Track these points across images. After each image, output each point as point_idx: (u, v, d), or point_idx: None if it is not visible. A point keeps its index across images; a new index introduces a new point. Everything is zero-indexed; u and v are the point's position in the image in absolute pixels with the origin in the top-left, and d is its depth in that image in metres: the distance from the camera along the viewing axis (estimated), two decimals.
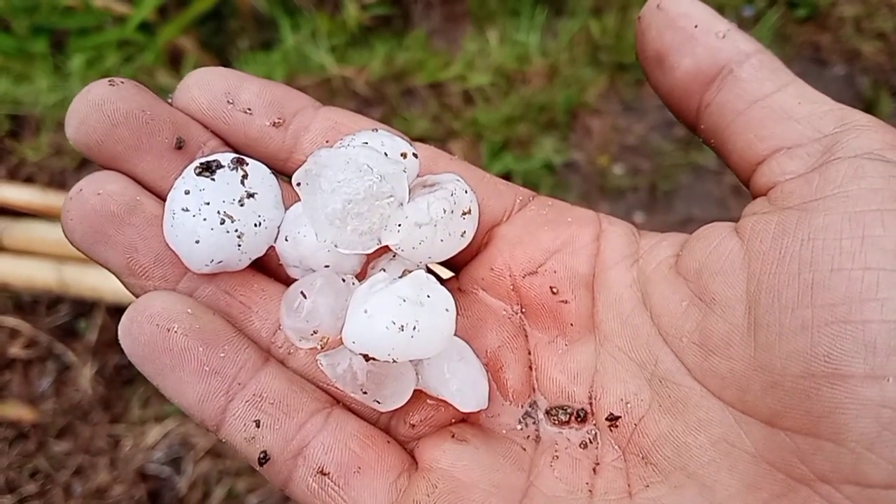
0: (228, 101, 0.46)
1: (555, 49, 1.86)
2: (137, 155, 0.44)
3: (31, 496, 1.34)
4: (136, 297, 0.44)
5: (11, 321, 1.49)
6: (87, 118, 0.43)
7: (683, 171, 1.69)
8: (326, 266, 0.45)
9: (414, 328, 0.40)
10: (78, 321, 1.51)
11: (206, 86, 0.46)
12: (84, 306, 1.51)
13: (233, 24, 2.01)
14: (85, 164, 1.65)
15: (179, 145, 0.45)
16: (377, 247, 0.44)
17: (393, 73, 1.85)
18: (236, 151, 0.47)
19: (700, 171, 1.69)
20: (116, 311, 1.48)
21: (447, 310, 0.42)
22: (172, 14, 1.90)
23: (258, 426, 0.42)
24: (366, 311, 0.41)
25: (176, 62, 1.88)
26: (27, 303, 1.52)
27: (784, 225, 0.38)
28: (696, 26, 0.42)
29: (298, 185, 0.44)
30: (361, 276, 0.46)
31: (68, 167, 1.68)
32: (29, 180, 1.67)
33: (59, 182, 1.66)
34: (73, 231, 0.43)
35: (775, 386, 0.36)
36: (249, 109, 0.46)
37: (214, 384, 0.42)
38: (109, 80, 0.44)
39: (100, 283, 1.46)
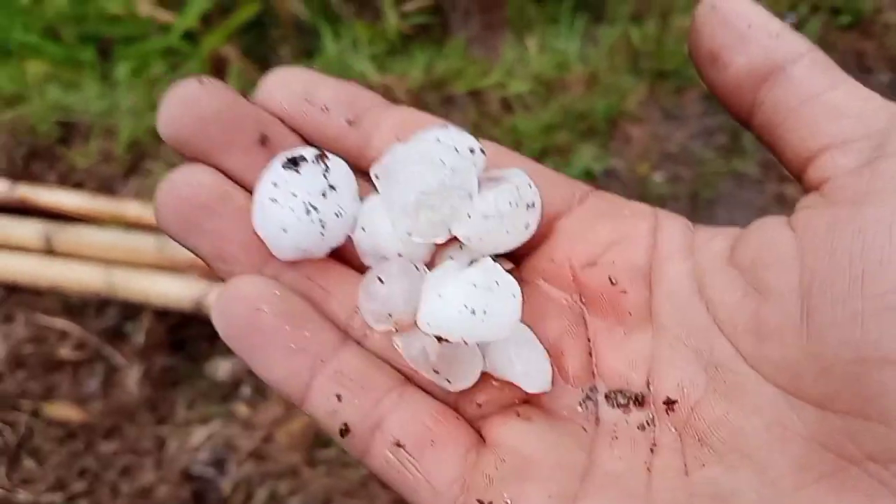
0: (307, 100, 0.49)
1: (594, 57, 1.87)
2: (226, 150, 0.47)
3: (79, 494, 1.38)
4: (225, 281, 0.47)
5: (61, 323, 1.53)
6: (179, 115, 0.45)
7: (725, 180, 1.68)
8: (400, 255, 0.48)
9: (485, 312, 0.43)
10: (125, 324, 1.55)
11: (285, 85, 0.49)
12: (132, 309, 1.56)
13: (275, 32, 2.05)
14: (133, 170, 1.69)
15: (263, 141, 0.48)
16: (449, 236, 0.47)
17: (432, 81, 1.88)
18: (315, 147, 0.49)
19: (742, 180, 1.69)
20: (163, 314, 1.53)
21: (514, 295, 0.45)
22: (216, 23, 1.96)
23: (339, 400, 0.44)
24: (440, 295, 0.43)
25: (220, 71, 1.93)
26: (76, 305, 1.57)
27: (835, 219, 0.39)
28: (749, 26, 0.43)
29: (377, 177, 0.47)
30: (431, 265, 0.49)
31: (116, 173, 1.72)
32: (78, 185, 1.71)
33: (108, 188, 1.71)
34: (166, 220, 0.46)
35: (827, 371, 0.38)
36: (326, 107, 0.49)
37: (300, 361, 0.44)
38: (198, 79, 0.47)
39: (147, 286, 1.51)
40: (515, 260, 0.51)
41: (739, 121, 0.46)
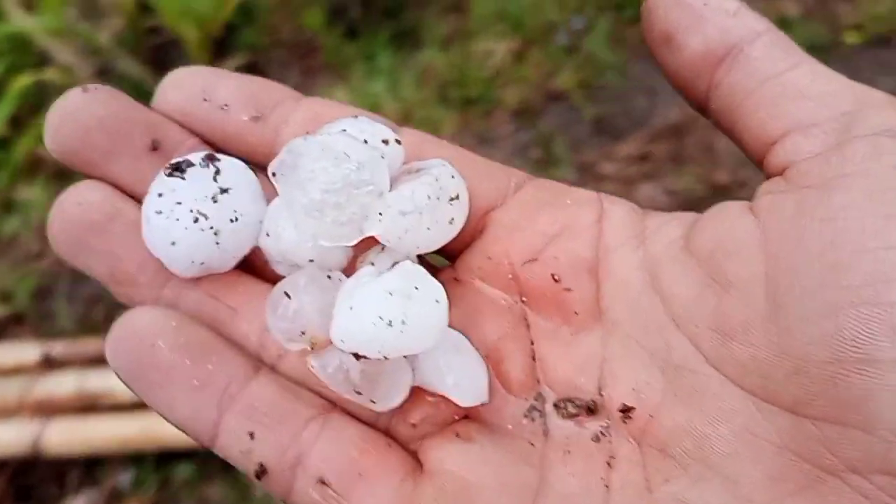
0: (204, 99, 0.45)
1: (406, 90, 1.82)
2: (114, 159, 0.44)
3: None
4: (124, 306, 0.43)
5: None
6: (62, 127, 0.43)
7: None
8: (311, 261, 0.43)
9: (403, 322, 0.38)
10: None
11: (180, 85, 0.46)
12: None
13: None
14: None
15: (155, 147, 0.44)
16: (360, 238, 0.42)
17: None
18: (216, 149, 0.46)
19: None
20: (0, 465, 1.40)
21: (438, 301, 0.40)
22: (28, 124, 1.81)
23: (252, 438, 0.40)
24: (351, 308, 0.39)
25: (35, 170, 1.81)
26: None
27: (802, 204, 0.36)
28: (705, 4, 0.41)
29: (274, 176, 0.42)
30: (350, 272, 0.44)
31: None
32: None
33: None
34: (57, 242, 0.43)
35: (799, 372, 0.34)
36: (226, 105, 0.45)
37: (205, 398, 0.40)
38: (83, 88, 0.44)
39: None
40: (450, 258, 0.47)
41: (695, 106, 0.43)
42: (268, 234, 0.44)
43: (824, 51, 1.80)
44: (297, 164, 0.41)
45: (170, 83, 0.46)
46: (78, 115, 0.43)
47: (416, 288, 0.39)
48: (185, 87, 0.46)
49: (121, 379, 0.41)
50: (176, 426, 0.41)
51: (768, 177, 0.40)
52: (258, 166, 0.46)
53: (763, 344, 0.36)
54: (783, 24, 1.84)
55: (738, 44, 0.40)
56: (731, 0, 0.41)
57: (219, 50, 1.93)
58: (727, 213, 0.40)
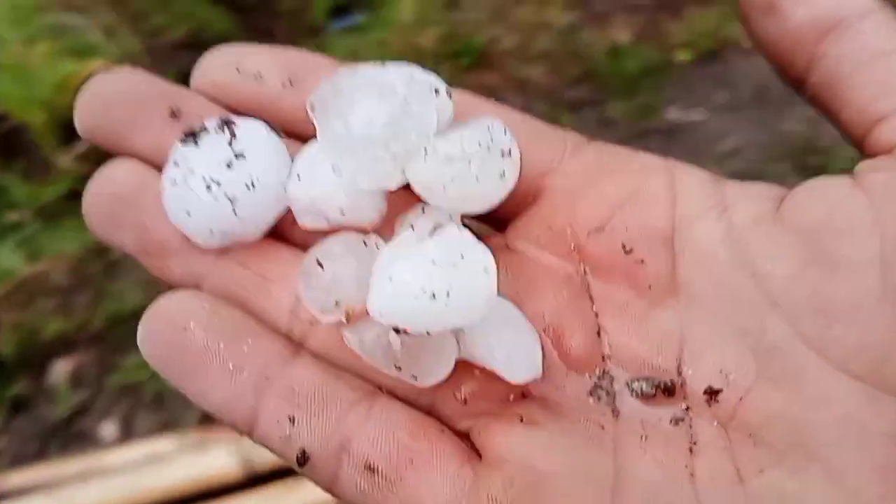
0: (237, 70, 0.44)
1: None
2: (137, 132, 0.43)
3: None
4: (160, 279, 0.42)
5: None
6: (88, 105, 0.43)
7: None
8: (342, 212, 0.40)
9: (448, 294, 0.34)
10: None
11: (214, 62, 0.45)
12: None
13: None
14: None
15: (175, 114, 0.43)
16: (401, 182, 0.39)
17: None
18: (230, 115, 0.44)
19: None
20: None
21: (486, 270, 0.36)
22: None
23: (293, 423, 0.37)
24: (391, 278, 0.35)
25: None
26: None
27: None
28: None
29: (312, 109, 0.39)
30: (387, 233, 0.41)
31: None
32: None
33: None
34: (91, 220, 0.43)
35: None
36: (259, 74, 0.44)
37: (241, 381, 0.38)
38: (106, 69, 0.45)
39: None
40: (499, 227, 0.43)
41: (790, 78, 0.41)
42: (298, 177, 0.40)
43: (658, 72, 1.79)
44: (339, 97, 0.37)
45: (207, 61, 0.45)
46: (101, 93, 0.43)
47: (462, 256, 0.35)
48: (218, 62, 0.45)
49: (154, 367, 0.39)
50: (212, 413, 0.39)
51: (869, 154, 0.38)
52: (294, 136, 0.43)
53: (875, 327, 0.33)
54: (615, 51, 1.84)
55: (847, 17, 0.39)
56: None
57: (68, 133, 1.81)
58: (830, 189, 0.37)
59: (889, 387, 0.33)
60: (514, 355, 0.37)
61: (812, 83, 0.40)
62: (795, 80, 0.41)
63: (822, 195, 0.37)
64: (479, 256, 0.36)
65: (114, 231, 0.42)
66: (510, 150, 0.39)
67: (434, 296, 0.34)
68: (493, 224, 0.44)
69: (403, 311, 0.35)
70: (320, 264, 0.38)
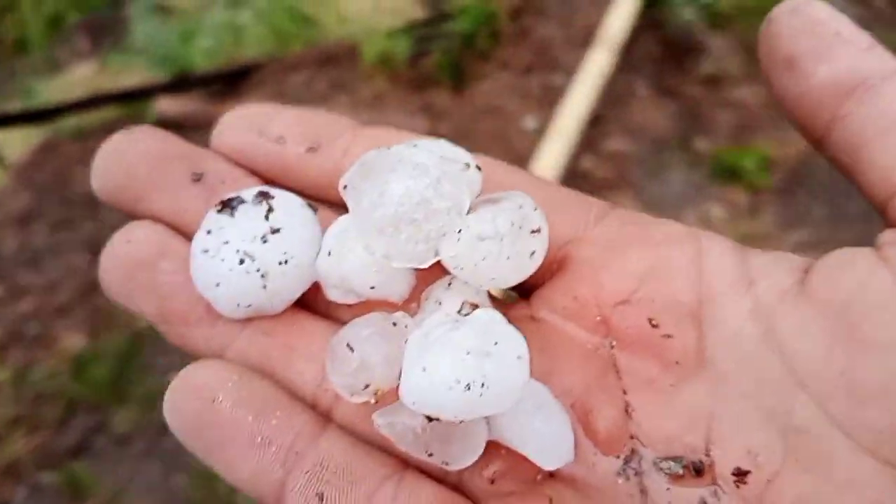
0: (259, 133, 0.43)
1: None
2: (156, 193, 0.42)
3: None
4: (177, 346, 0.41)
5: None
6: (105, 167, 0.42)
7: None
8: (372, 288, 0.39)
9: (482, 385, 0.34)
10: None
11: (234, 123, 0.44)
12: None
13: None
14: None
15: (196, 178, 0.42)
16: (433, 260, 0.38)
17: None
18: (273, 185, 0.43)
19: None
20: None
21: (519, 357, 0.35)
22: None
23: (322, 500, 0.37)
24: (424, 369, 0.34)
25: None
26: None
27: None
28: (836, 34, 0.38)
29: (345, 189, 0.38)
30: (411, 302, 0.40)
31: None
32: None
33: None
34: (108, 284, 0.42)
35: None
36: (282, 138, 0.43)
37: (269, 456, 0.37)
38: (126, 130, 0.43)
39: None
40: (522, 294, 0.42)
41: (809, 136, 0.40)
42: (329, 254, 0.40)
43: None
44: (371, 177, 0.37)
45: (226, 122, 0.44)
46: (120, 153, 0.42)
47: (496, 343, 0.35)
48: (239, 124, 0.44)
49: (180, 439, 0.38)
50: (238, 487, 0.38)
51: (891, 222, 0.37)
52: (317, 201, 0.43)
53: None
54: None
55: (869, 78, 0.38)
56: (864, 35, 0.38)
57: None
58: (856, 263, 0.36)
59: None
60: (547, 442, 0.37)
61: (832, 142, 0.39)
62: (815, 139, 0.40)
63: (848, 269, 0.36)
64: (512, 343, 0.35)
65: (132, 296, 0.41)
66: (540, 228, 0.38)
67: (469, 387, 0.34)
68: (516, 289, 0.43)
69: (437, 401, 0.34)
70: (350, 348, 0.37)
